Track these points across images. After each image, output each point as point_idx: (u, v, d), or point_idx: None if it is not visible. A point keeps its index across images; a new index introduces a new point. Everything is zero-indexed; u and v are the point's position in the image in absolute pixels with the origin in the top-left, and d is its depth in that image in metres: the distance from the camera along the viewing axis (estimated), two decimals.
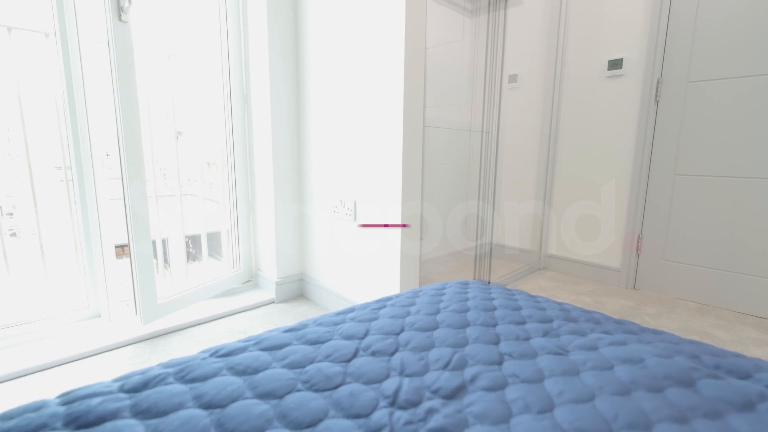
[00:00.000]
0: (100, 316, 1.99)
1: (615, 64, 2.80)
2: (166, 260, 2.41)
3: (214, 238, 2.57)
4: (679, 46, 2.53)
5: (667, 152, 2.63)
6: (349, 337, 0.81)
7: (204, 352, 0.75)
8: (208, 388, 0.63)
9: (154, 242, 2.21)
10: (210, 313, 2.16)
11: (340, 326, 0.84)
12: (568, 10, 2.99)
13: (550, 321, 0.96)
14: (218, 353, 0.74)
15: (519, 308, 1.01)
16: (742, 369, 0.79)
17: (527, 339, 0.86)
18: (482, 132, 3.04)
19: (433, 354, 0.77)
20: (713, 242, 2.51)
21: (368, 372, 0.70)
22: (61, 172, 1.91)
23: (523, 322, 0.94)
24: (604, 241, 2.95)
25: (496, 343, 0.84)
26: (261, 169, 2.40)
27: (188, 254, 2.38)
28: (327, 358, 0.73)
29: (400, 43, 1.80)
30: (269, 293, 2.45)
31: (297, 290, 2.52)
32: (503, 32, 2.81)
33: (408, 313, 0.94)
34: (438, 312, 0.95)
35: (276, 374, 0.67)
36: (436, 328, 0.88)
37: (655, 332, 0.96)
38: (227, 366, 0.69)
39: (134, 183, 1.84)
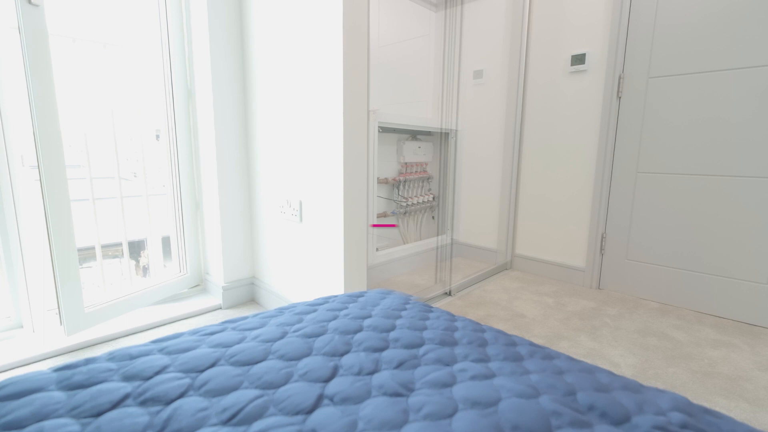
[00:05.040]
0: (22, 326, 1.82)
1: (578, 60, 2.60)
2: (141, 264, 2.24)
3: (163, 241, 2.39)
4: (640, 40, 2.35)
5: (629, 150, 2.43)
6: (131, 378, 0.61)
7: None
8: None
9: (93, 247, 2.04)
10: (147, 322, 1.98)
11: (136, 361, 0.65)
12: (532, 4, 2.79)
13: (419, 346, 0.76)
14: None
15: (392, 328, 0.82)
16: (621, 410, 0.59)
17: (372, 373, 0.66)
18: (441, 129, 2.85)
19: (230, 399, 0.58)
20: (674, 241, 2.31)
21: None
22: None
23: (383, 348, 0.74)
24: (569, 240, 2.75)
25: (328, 379, 0.64)
26: (207, 166, 2.21)
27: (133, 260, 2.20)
28: (71, 412, 0.53)
29: (338, 34, 1.61)
30: (217, 298, 2.27)
31: (247, 295, 2.34)
32: (460, 27, 2.62)
33: (242, 339, 0.74)
34: (283, 336, 0.75)
35: None
36: (262, 360, 0.68)
37: (546, 356, 0.77)
38: None
39: (53, 182, 1.65)
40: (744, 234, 2.09)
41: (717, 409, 1.45)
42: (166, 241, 2.35)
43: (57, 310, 1.80)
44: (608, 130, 2.49)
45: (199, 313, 2.14)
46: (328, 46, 1.67)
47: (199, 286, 2.39)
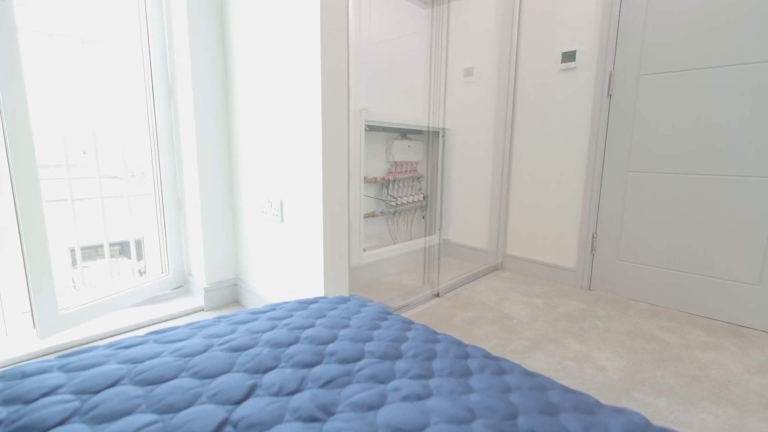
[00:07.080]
0: None
1: (568, 57, 2.50)
2: (133, 267, 2.17)
3: (147, 242, 2.32)
4: (631, 37, 2.25)
5: (620, 149, 2.34)
6: (11, 401, 0.50)
7: None
8: None
9: (88, 247, 1.98)
10: (126, 324, 1.91)
11: (25, 381, 0.55)
12: (522, 1, 2.70)
13: (357, 360, 0.67)
14: None
15: (332, 340, 0.73)
16: None
17: (293, 393, 0.58)
18: (429, 127, 2.76)
19: (117, 426, 0.49)
20: (664, 242, 2.21)
21: None
22: None
23: (315, 363, 0.66)
24: (560, 240, 2.66)
25: (240, 401, 0.56)
26: (188, 165, 2.13)
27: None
28: None
29: (316, 30, 1.54)
30: (199, 300, 2.19)
31: (230, 296, 2.26)
32: (447, 24, 2.54)
33: (159, 353, 0.65)
34: (207, 349, 0.67)
35: None
36: (173, 377, 0.59)
37: (498, 371, 0.68)
38: None
39: (23, 182, 1.58)
40: (735, 234, 1.98)
41: (704, 414, 1.36)
42: (150, 242, 2.28)
43: (30, 313, 1.74)
44: (599, 129, 2.39)
45: (180, 315, 2.07)
46: (306, 44, 1.59)
47: (182, 287, 2.31)
